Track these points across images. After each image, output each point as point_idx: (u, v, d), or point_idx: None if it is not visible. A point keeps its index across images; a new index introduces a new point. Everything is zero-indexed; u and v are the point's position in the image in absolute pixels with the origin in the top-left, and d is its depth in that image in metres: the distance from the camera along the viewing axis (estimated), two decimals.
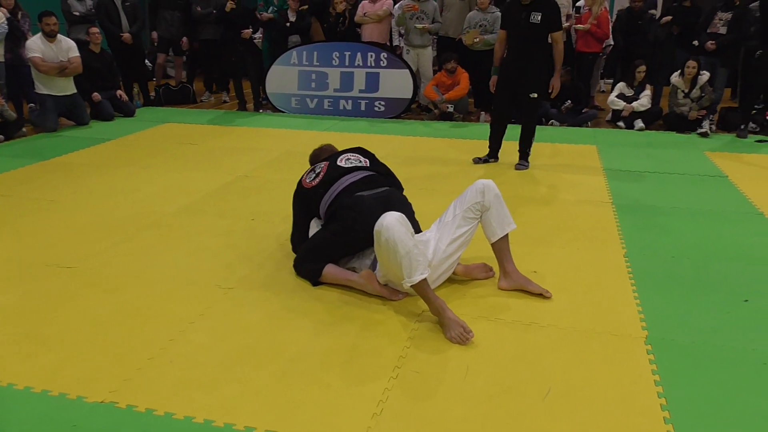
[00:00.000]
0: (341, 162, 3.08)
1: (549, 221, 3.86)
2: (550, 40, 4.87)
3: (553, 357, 2.38)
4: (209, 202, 4.21)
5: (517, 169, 5.09)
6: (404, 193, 3.19)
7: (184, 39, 8.09)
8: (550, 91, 4.97)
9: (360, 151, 3.25)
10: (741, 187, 4.57)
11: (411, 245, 2.48)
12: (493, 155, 5.32)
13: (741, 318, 2.68)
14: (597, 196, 4.34)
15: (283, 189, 4.46)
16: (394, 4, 7.50)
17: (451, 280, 2.98)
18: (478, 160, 5.31)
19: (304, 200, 3.11)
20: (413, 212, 3.04)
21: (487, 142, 5.30)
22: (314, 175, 3.08)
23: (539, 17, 4.66)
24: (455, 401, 2.12)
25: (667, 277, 3.08)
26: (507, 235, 2.88)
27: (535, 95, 4.91)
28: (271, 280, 3.05)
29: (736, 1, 6.74)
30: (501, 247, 2.89)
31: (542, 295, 2.83)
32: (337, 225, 2.90)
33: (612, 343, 2.47)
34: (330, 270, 2.93)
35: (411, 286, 2.53)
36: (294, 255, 3.16)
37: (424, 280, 2.52)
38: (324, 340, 2.51)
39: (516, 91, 4.96)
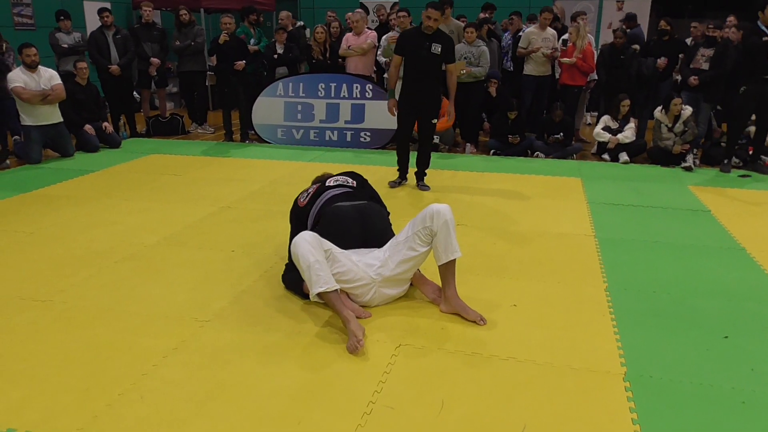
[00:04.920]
0: (329, 182, 3.38)
1: (531, 254, 3.85)
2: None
3: (529, 393, 2.35)
4: (190, 234, 4.18)
5: (421, 189, 5.44)
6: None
7: (155, 60, 8.07)
8: (447, 117, 5.33)
9: (351, 174, 3.51)
10: (723, 222, 4.59)
11: (312, 261, 2.73)
12: (403, 176, 5.65)
13: (720, 355, 2.66)
14: (580, 229, 4.35)
15: (266, 220, 4.45)
16: (378, 38, 7.58)
17: (431, 318, 2.96)
18: (393, 184, 5.57)
19: (299, 217, 3.33)
20: (389, 225, 3.29)
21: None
22: (306, 194, 3.36)
23: (439, 49, 5.03)
24: None
25: (648, 312, 3.06)
26: (453, 261, 2.94)
27: (435, 121, 5.30)
28: (248, 313, 3.01)
29: (718, 38, 6.88)
30: (445, 272, 2.97)
31: (476, 323, 2.87)
32: (317, 230, 3.06)
33: (590, 380, 2.44)
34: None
35: (317, 295, 2.73)
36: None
37: (330, 292, 2.73)
38: (299, 374, 2.47)
39: (419, 116, 5.31)
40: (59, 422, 2.17)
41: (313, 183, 3.57)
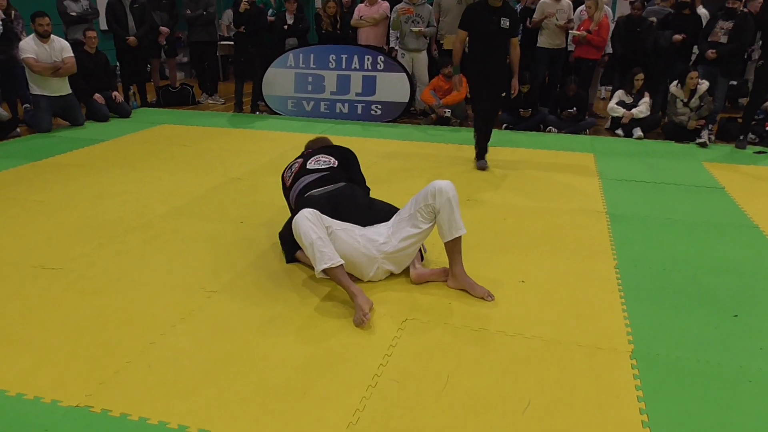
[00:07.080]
0: (311, 164, 3.33)
1: (540, 230, 3.82)
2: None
3: (535, 369, 2.34)
4: (199, 205, 4.18)
5: (483, 169, 5.26)
6: (387, 196, 3.38)
7: (164, 29, 8.00)
8: (512, 92, 5.24)
9: (335, 151, 3.45)
10: (737, 199, 4.53)
11: (314, 238, 2.70)
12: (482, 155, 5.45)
13: (729, 333, 2.64)
14: (591, 205, 4.30)
15: (275, 192, 4.42)
16: (391, 8, 7.48)
17: (438, 294, 2.96)
18: (483, 164, 5.32)
19: (285, 193, 3.44)
20: (369, 205, 3.19)
21: (471, 145, 5.52)
22: (290, 172, 3.38)
23: (508, 23, 4.92)
24: (432, 413, 2.09)
25: (657, 290, 3.03)
26: (459, 238, 2.92)
27: (504, 94, 5.24)
28: (256, 284, 3.02)
29: (738, 10, 6.71)
30: (451, 248, 2.96)
31: (483, 299, 2.87)
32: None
33: (596, 357, 2.43)
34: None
35: (322, 272, 2.70)
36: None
37: (335, 268, 2.70)
38: (305, 346, 2.48)
39: (492, 90, 5.20)
40: (68, 389, 2.20)
41: (306, 148, 3.63)
